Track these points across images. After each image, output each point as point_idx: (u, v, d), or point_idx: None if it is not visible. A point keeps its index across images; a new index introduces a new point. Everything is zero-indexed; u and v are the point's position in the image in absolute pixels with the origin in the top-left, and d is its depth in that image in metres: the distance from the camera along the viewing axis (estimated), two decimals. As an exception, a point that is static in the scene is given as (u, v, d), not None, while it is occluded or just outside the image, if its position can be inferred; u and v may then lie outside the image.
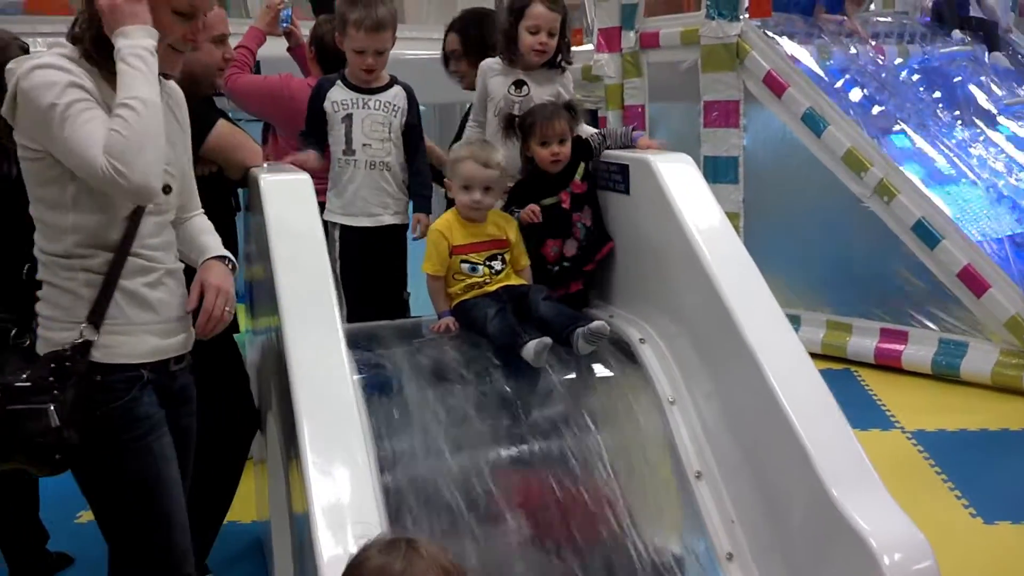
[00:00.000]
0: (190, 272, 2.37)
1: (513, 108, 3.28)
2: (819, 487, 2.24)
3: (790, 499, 2.38)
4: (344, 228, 3.23)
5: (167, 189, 2.23)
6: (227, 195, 3.17)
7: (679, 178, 2.94)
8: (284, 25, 4.17)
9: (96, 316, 2.14)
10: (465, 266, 3.00)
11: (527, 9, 3.22)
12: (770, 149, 6.00)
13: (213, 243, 2.43)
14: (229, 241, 3.17)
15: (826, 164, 5.65)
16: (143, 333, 2.20)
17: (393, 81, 3.30)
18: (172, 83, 2.35)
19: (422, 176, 3.32)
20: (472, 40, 3.70)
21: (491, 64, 3.37)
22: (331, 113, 3.21)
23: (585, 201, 3.17)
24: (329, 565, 1.96)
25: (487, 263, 3.01)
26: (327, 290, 2.52)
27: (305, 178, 2.84)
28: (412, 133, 3.30)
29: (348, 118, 3.19)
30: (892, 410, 4.74)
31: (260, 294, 2.99)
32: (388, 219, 3.26)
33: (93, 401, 2.13)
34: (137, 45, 2.08)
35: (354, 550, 1.98)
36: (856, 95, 6.20)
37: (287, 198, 2.76)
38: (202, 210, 2.49)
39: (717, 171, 6.10)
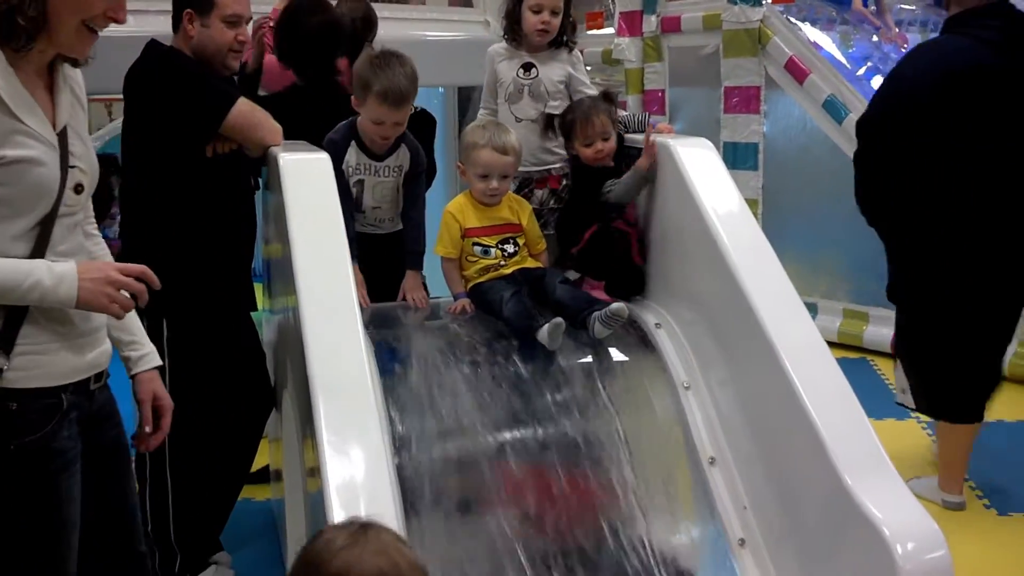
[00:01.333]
0: None
1: (523, 91, 3.28)
2: (833, 475, 2.24)
3: (803, 486, 2.38)
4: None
5: (79, 188, 1.95)
6: (247, 174, 3.17)
7: (699, 163, 2.93)
8: None
9: (6, 339, 1.85)
10: (477, 249, 3.00)
11: None
12: (790, 136, 5.96)
13: (144, 336, 2.17)
14: (248, 221, 3.19)
15: (847, 152, 5.59)
16: (60, 350, 1.91)
17: (400, 140, 3.14)
18: (71, 68, 2.01)
19: (416, 229, 3.17)
20: None
21: (497, 49, 3.36)
22: (345, 175, 3.09)
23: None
24: (343, 543, 1.97)
25: (499, 246, 3.01)
26: (345, 270, 2.52)
27: (324, 157, 2.84)
28: (410, 183, 3.18)
29: (360, 183, 3.12)
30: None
31: (277, 273, 3.00)
32: (397, 227, 3.25)
33: (3, 434, 1.86)
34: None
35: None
36: (878, 83, 6.14)
37: (306, 177, 2.76)
38: (96, 227, 2.16)
39: (736, 157, 6.07)
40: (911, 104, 3.49)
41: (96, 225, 2.16)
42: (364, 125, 3.09)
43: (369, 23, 3.78)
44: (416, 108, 3.57)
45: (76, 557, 2.00)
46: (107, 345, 2.05)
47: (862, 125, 3.67)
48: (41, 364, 1.90)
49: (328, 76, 3.45)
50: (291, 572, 1.53)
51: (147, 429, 2.15)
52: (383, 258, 3.12)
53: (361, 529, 1.51)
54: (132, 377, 2.16)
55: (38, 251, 1.88)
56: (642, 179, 3.04)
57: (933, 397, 3.69)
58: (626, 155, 3.16)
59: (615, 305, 2.82)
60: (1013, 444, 4.26)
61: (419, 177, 3.19)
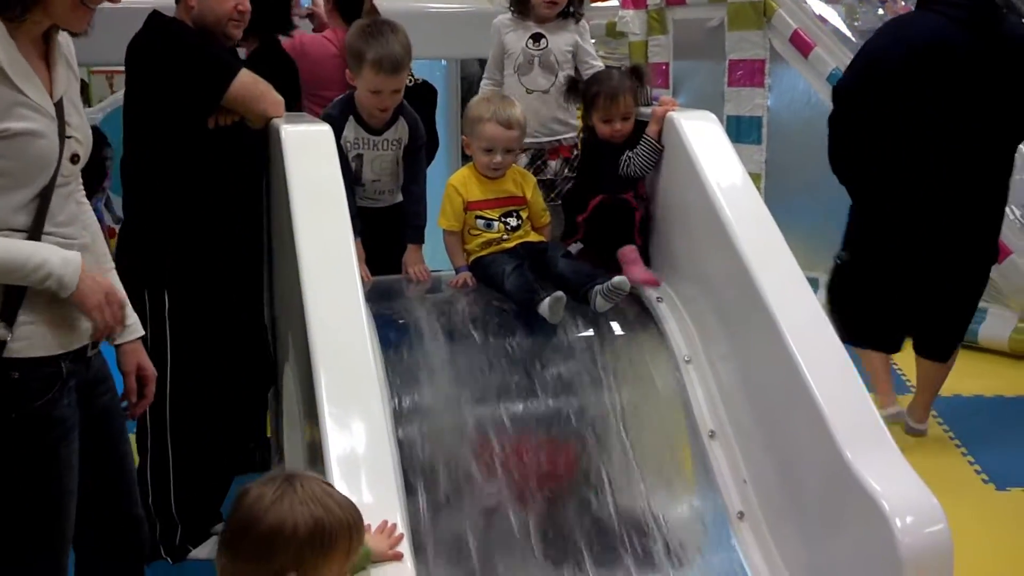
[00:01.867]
0: None
1: (533, 62, 3.26)
2: (833, 449, 2.25)
3: (803, 460, 2.39)
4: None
5: (75, 158, 1.97)
6: (248, 146, 3.16)
7: (703, 136, 2.92)
8: (305, 5, 4.15)
9: (9, 311, 1.87)
10: (480, 222, 2.99)
11: None
12: (795, 110, 5.93)
13: (129, 307, 2.15)
14: (251, 194, 3.18)
15: (851, 126, 5.58)
16: (59, 320, 1.93)
17: (399, 113, 3.13)
18: (64, 36, 2.01)
19: (417, 203, 3.17)
20: None
21: (503, 20, 3.34)
22: (344, 150, 3.05)
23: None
24: (344, 514, 1.98)
25: (502, 219, 3.00)
26: (346, 243, 2.51)
27: (326, 129, 2.83)
28: (410, 158, 3.17)
29: (359, 158, 3.11)
30: (908, 375, 4.72)
31: (279, 246, 3.00)
32: (398, 198, 3.23)
33: (6, 403, 1.89)
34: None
35: (370, 500, 2.03)
36: (883, 56, 6.10)
37: (308, 149, 2.76)
38: (85, 195, 2.16)
39: (740, 131, 6.04)
40: (879, 75, 3.72)
41: (85, 194, 2.16)
42: (361, 97, 3.07)
43: None
44: (417, 80, 3.56)
45: (73, 525, 2.02)
46: None
47: (837, 92, 3.94)
48: (41, 334, 1.91)
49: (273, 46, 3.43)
50: (224, 537, 1.54)
51: (132, 399, 2.18)
52: (383, 231, 3.12)
53: (287, 481, 1.53)
54: (116, 347, 2.17)
55: (38, 222, 1.89)
56: (656, 149, 3.00)
57: (860, 327, 3.98)
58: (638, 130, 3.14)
59: (617, 279, 2.82)
60: (1011, 419, 4.27)
61: (419, 151, 3.18)
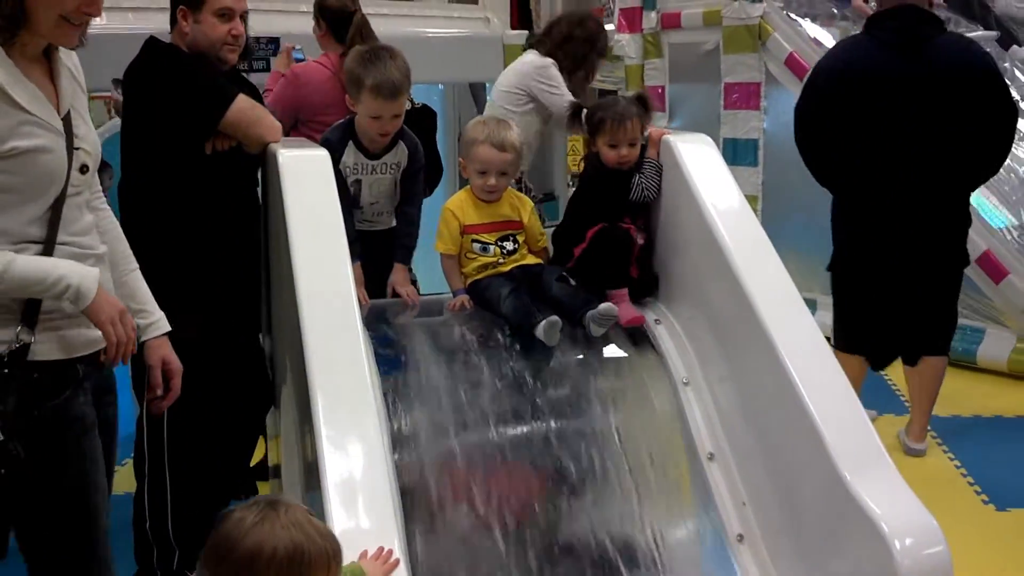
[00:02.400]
0: None
1: None
2: (832, 470, 2.24)
3: (802, 482, 2.38)
4: None
5: (84, 168, 2.04)
6: (246, 171, 3.17)
7: (699, 158, 2.93)
8: (297, 58, 4.18)
9: (30, 316, 1.95)
10: (476, 246, 3.00)
11: None
12: (791, 132, 5.91)
13: (153, 304, 2.29)
14: (248, 218, 3.19)
15: (846, 148, 5.60)
16: (77, 324, 2.02)
17: (398, 137, 3.14)
18: (68, 51, 2.09)
19: (410, 224, 3.18)
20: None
21: None
22: (342, 175, 3.07)
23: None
24: (341, 538, 1.96)
25: (499, 243, 3.01)
26: (344, 267, 2.52)
27: (323, 154, 2.84)
28: (408, 181, 3.19)
29: (357, 183, 3.12)
30: (907, 395, 4.72)
31: (276, 269, 3.00)
32: (394, 223, 3.24)
33: (28, 401, 1.96)
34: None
35: (367, 524, 2.02)
36: (878, 78, 6.13)
37: (305, 174, 2.76)
38: (104, 200, 2.25)
39: (737, 153, 6.06)
40: (817, 97, 3.94)
41: (104, 199, 2.24)
42: (362, 123, 3.08)
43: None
44: (417, 104, 3.57)
45: (107, 518, 2.11)
46: None
47: (795, 112, 4.08)
48: (61, 338, 2.00)
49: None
50: (203, 559, 1.54)
51: (158, 392, 2.27)
52: (381, 254, 3.13)
53: (270, 506, 1.54)
54: (142, 344, 2.26)
55: (52, 233, 1.97)
56: (659, 168, 2.99)
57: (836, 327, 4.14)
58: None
59: (603, 306, 2.82)
60: (1011, 439, 4.26)
61: (417, 174, 3.19)
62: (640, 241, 3.03)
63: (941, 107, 3.78)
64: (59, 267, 1.94)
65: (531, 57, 4.34)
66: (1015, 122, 3.90)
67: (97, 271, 2.00)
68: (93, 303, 1.97)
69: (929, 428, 4.32)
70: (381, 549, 1.92)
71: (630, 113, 3.00)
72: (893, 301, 3.99)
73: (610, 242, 2.99)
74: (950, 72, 3.77)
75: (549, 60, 4.25)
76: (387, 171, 3.14)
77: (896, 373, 4.97)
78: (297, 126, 3.77)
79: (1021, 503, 3.65)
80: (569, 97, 4.12)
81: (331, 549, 1.55)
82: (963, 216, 3.97)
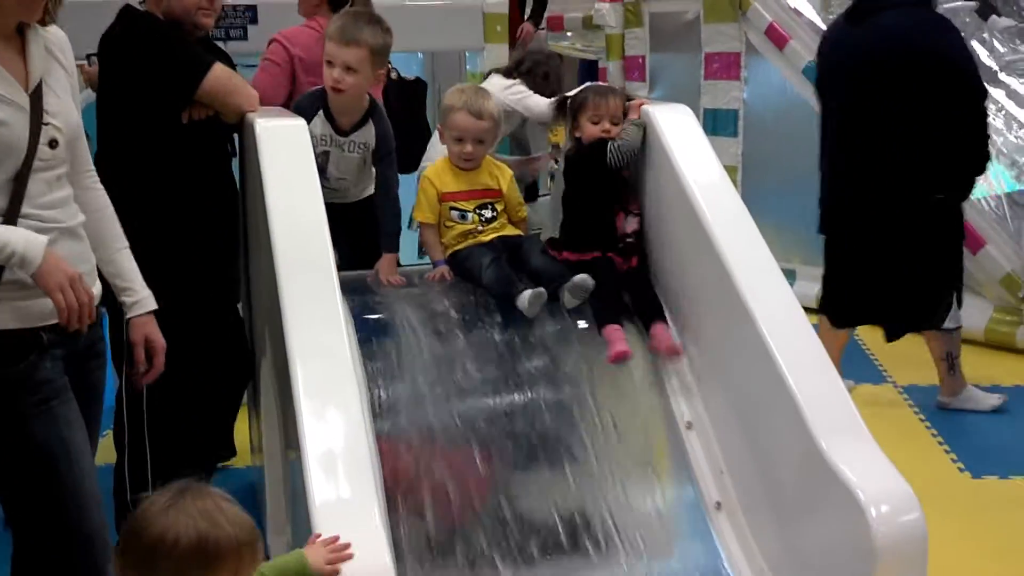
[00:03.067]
0: None
1: None
2: (809, 439, 2.26)
3: (780, 450, 2.40)
4: None
5: (54, 143, 2.06)
6: (223, 140, 3.15)
7: (677, 129, 2.93)
8: None
9: None
10: (454, 213, 2.99)
11: None
12: (770, 102, 5.95)
13: (140, 282, 2.32)
14: (226, 188, 3.17)
15: (826, 118, 5.62)
16: (38, 295, 2.01)
17: (368, 115, 3.10)
18: (54, 27, 2.15)
19: (390, 212, 3.11)
20: None
21: None
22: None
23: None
24: (321, 510, 1.98)
25: (477, 211, 3.00)
26: (322, 236, 2.51)
27: (300, 123, 2.82)
28: (380, 165, 3.13)
29: (325, 155, 3.06)
30: (885, 365, 4.76)
31: (254, 239, 2.99)
32: (366, 193, 3.20)
33: None
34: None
35: (348, 495, 2.02)
36: (858, 49, 6.13)
37: (282, 143, 2.75)
38: (97, 179, 2.30)
39: (717, 124, 6.06)
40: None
41: (96, 178, 2.28)
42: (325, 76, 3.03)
43: None
44: (407, 76, 3.55)
45: (94, 479, 2.13)
46: (95, 289, 2.15)
47: None
48: (19, 308, 2.01)
49: None
50: (117, 544, 1.54)
51: (140, 369, 2.31)
52: (350, 226, 3.09)
53: (179, 493, 1.52)
54: (127, 321, 2.30)
55: (14, 204, 1.99)
56: (641, 125, 2.96)
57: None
58: None
59: (578, 277, 2.82)
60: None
61: (388, 159, 3.12)
62: (632, 227, 3.00)
63: (873, 85, 3.82)
64: (5, 234, 1.94)
65: (495, 79, 4.35)
66: (970, 107, 3.81)
67: (45, 239, 1.99)
68: (40, 269, 1.97)
69: (906, 397, 4.37)
70: (336, 538, 1.88)
71: (614, 92, 3.03)
72: (888, 274, 4.01)
73: (601, 271, 2.89)
74: (883, 46, 3.80)
75: (512, 80, 4.26)
76: (355, 150, 3.10)
77: (872, 341, 5.03)
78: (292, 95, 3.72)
79: (996, 471, 3.70)
80: (540, 98, 4.10)
81: (243, 537, 1.52)
82: (914, 203, 3.89)
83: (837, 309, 4.16)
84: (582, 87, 3.12)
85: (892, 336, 4.15)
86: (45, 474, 2.05)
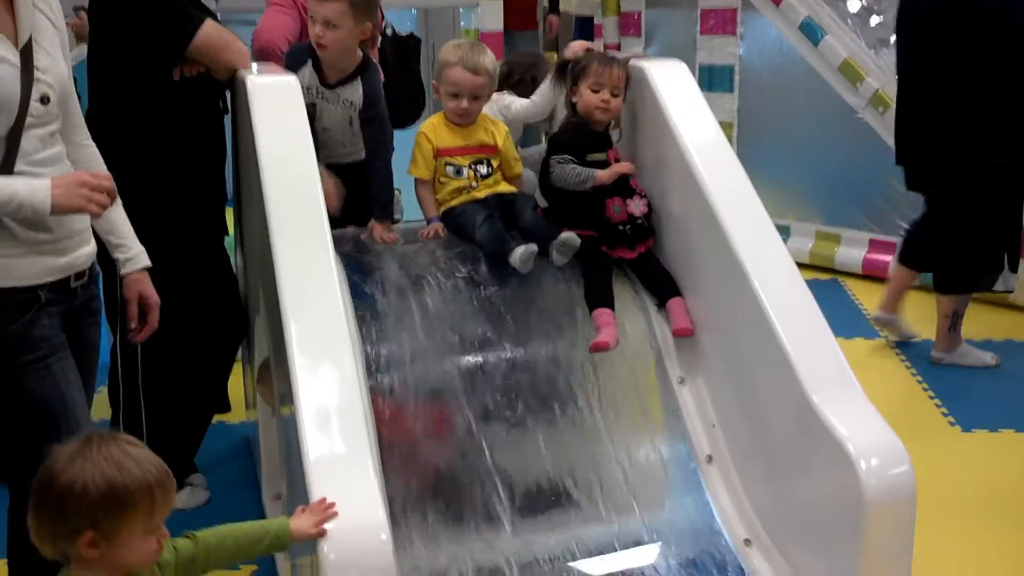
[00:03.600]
0: None
1: None
2: (800, 393, 2.28)
3: (771, 405, 2.42)
4: None
5: (45, 99, 2.06)
6: (215, 97, 3.13)
7: (673, 85, 2.92)
8: None
9: None
10: (450, 169, 2.98)
11: None
12: (766, 58, 5.92)
13: (133, 239, 2.34)
14: (217, 145, 3.16)
15: (822, 74, 5.59)
16: (37, 254, 2.05)
17: (358, 72, 3.02)
18: None
19: (379, 179, 3.02)
20: None
21: None
22: None
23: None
24: (316, 465, 1.99)
25: (472, 167, 2.99)
26: (315, 194, 2.50)
27: (293, 80, 2.80)
28: (369, 130, 3.04)
29: (312, 106, 2.99)
30: (869, 309, 4.79)
31: (247, 196, 2.98)
32: (361, 155, 3.17)
33: None
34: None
35: (342, 450, 2.04)
36: (854, 5, 6.08)
37: (274, 100, 2.73)
38: (88, 136, 2.30)
39: (712, 80, 6.03)
40: None
41: (88, 135, 2.29)
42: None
43: None
44: (401, 32, 3.51)
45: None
46: (88, 248, 2.19)
47: None
48: (14, 267, 2.03)
49: None
50: (31, 498, 1.55)
51: (132, 325, 2.33)
52: (346, 188, 3.07)
53: (87, 442, 1.54)
54: (121, 278, 2.32)
55: (8, 160, 1.99)
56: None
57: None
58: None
59: (564, 235, 2.81)
60: (979, 363, 4.33)
61: (377, 122, 3.05)
62: (641, 209, 2.89)
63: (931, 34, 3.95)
64: (8, 187, 1.95)
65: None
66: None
67: (46, 180, 2.00)
68: (56, 204, 1.99)
69: (898, 352, 4.40)
70: (323, 500, 1.88)
71: (616, 59, 2.95)
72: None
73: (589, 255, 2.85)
74: None
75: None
76: (339, 105, 3.04)
77: (866, 296, 5.05)
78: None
79: (986, 424, 3.72)
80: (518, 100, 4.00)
81: (152, 479, 1.52)
82: (946, 157, 4.03)
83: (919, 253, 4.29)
84: (586, 55, 3.03)
85: (942, 289, 4.22)
86: (42, 429, 2.05)
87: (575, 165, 2.89)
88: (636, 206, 2.90)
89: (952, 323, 4.24)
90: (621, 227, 2.87)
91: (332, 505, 1.88)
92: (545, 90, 3.26)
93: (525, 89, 3.62)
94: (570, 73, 2.98)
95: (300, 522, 1.85)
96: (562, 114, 3.13)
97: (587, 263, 2.84)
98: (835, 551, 2.21)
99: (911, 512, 2.17)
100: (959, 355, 4.25)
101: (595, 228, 2.87)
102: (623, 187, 2.90)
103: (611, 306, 2.77)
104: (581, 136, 2.95)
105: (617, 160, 2.95)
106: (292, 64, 2.99)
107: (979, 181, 3.99)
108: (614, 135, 3.03)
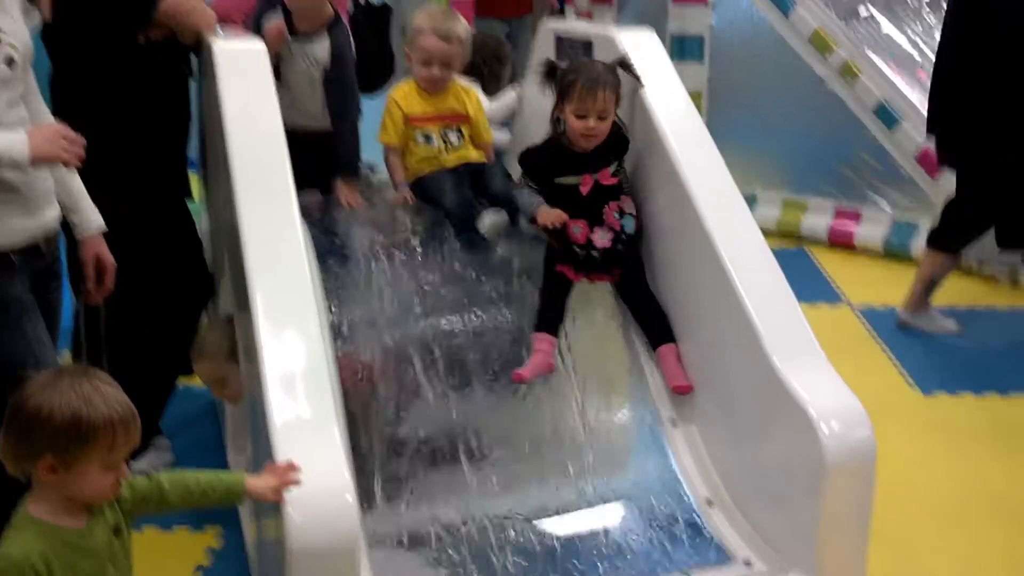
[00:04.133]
0: None
1: None
2: (763, 357, 2.31)
3: (735, 369, 2.45)
4: None
5: (11, 62, 2.08)
6: (179, 61, 3.10)
7: (642, 54, 2.91)
8: None
9: None
10: (420, 136, 2.98)
11: None
12: (737, 28, 5.92)
13: (88, 203, 2.36)
14: (181, 108, 3.13)
15: (792, 45, 5.61)
16: (9, 216, 2.09)
17: (329, 26, 2.99)
18: None
19: (344, 140, 3.01)
20: None
21: None
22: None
23: (618, 191, 2.77)
24: (281, 430, 2.00)
25: (443, 135, 2.99)
26: (281, 160, 2.49)
27: (260, 48, 2.78)
28: (332, 88, 3.00)
29: (278, 56, 2.96)
30: (842, 286, 4.83)
31: (213, 162, 2.97)
32: (316, 125, 3.14)
33: None
34: None
35: (308, 415, 2.05)
36: (827, -27, 6.11)
37: (241, 67, 2.71)
38: (44, 104, 2.32)
39: (683, 49, 6.02)
40: None
41: (41, 98, 2.30)
42: None
43: None
44: (375, 1, 3.48)
45: None
46: (54, 211, 2.23)
47: None
48: None
49: None
50: (2, 419, 1.61)
51: (90, 287, 2.36)
52: (315, 156, 3.03)
53: (62, 373, 1.61)
54: (78, 241, 2.36)
55: None
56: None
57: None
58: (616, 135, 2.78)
59: (489, 219, 2.83)
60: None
61: (342, 82, 3.02)
62: (603, 244, 2.71)
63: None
64: None
65: None
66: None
67: (21, 132, 2.04)
68: (36, 151, 2.02)
69: (862, 319, 4.46)
70: (289, 464, 1.87)
71: (605, 81, 2.68)
72: None
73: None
74: None
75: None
76: (304, 59, 3.01)
77: (831, 264, 5.10)
78: None
79: (945, 387, 3.78)
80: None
81: (117, 416, 1.58)
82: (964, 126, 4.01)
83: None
84: (572, 66, 2.77)
85: (933, 244, 4.24)
86: (14, 391, 2.06)
87: (530, 190, 2.75)
88: (601, 237, 2.71)
89: (927, 287, 4.25)
90: (578, 250, 2.70)
91: (296, 470, 1.86)
92: (507, 103, 3.29)
93: (493, 74, 3.59)
94: (556, 85, 2.75)
95: (258, 483, 1.85)
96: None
97: (543, 280, 2.71)
98: (796, 512, 2.25)
99: (871, 475, 2.21)
100: (924, 319, 4.27)
101: (558, 241, 2.73)
102: (589, 213, 2.71)
103: (553, 331, 2.63)
104: (555, 157, 2.76)
105: (598, 185, 2.73)
106: (264, 6, 2.98)
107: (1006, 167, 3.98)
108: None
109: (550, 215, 2.67)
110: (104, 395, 1.58)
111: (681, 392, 2.61)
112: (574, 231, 2.70)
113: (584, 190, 2.72)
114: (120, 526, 1.68)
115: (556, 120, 2.77)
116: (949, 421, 3.57)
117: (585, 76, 2.68)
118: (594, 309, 2.77)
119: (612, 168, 2.76)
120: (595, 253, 2.71)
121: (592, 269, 2.73)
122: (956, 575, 2.72)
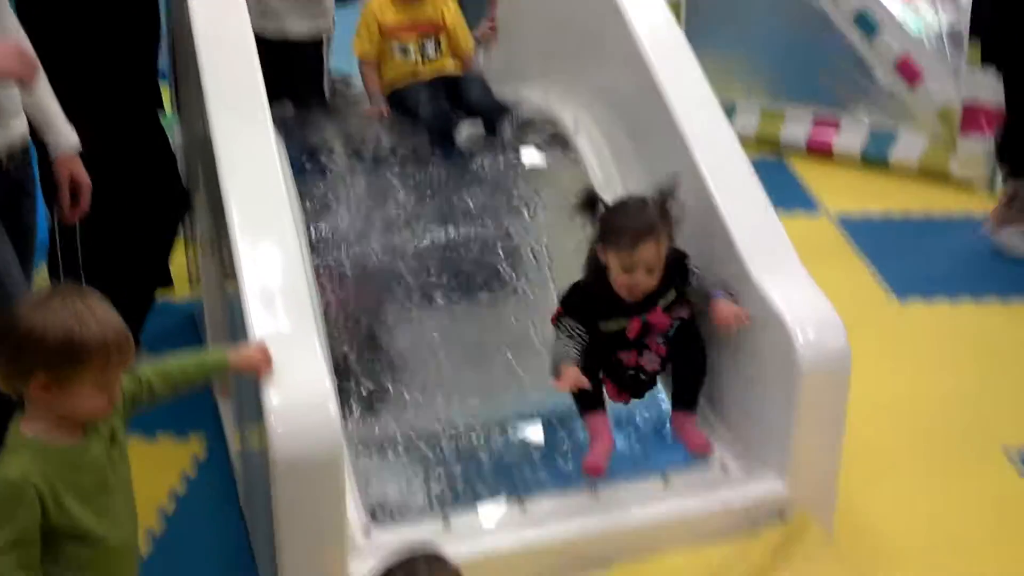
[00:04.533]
0: None
1: None
2: (739, 265, 2.32)
3: (712, 276, 2.46)
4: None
5: None
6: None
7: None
8: None
9: None
10: (396, 48, 2.93)
11: None
12: (717, -63, 5.82)
13: (62, 121, 2.31)
14: (151, 19, 3.06)
15: (770, -50, 5.53)
16: None
17: None
18: None
19: None
20: None
21: None
22: None
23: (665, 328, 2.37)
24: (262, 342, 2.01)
25: (420, 46, 2.94)
26: (253, 71, 2.45)
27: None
28: None
29: None
30: (820, 195, 4.83)
31: (183, 72, 2.91)
32: (305, 29, 3.06)
33: None
34: None
35: (288, 328, 2.05)
36: None
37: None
38: (16, 19, 2.28)
39: (662, -44, 5.91)
40: None
41: (16, 19, 2.25)
42: None
43: None
44: None
45: None
46: (19, 129, 2.17)
47: None
48: None
49: None
50: None
51: (65, 205, 2.32)
52: (290, 68, 2.98)
53: (53, 294, 1.60)
54: (52, 160, 2.31)
55: None
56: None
57: None
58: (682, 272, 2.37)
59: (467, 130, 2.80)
60: (918, 235, 4.42)
61: None
62: (653, 367, 2.38)
63: None
64: None
65: None
66: None
67: None
68: None
69: (839, 228, 4.48)
70: (263, 349, 1.94)
71: (651, 230, 2.23)
72: None
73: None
74: None
75: None
76: None
77: (809, 173, 5.10)
78: None
79: (921, 293, 3.83)
80: None
81: (110, 339, 1.56)
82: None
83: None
84: (617, 206, 2.34)
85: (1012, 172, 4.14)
86: None
87: (564, 338, 2.28)
88: (650, 361, 2.37)
89: (1009, 200, 4.14)
90: (628, 370, 2.37)
91: (265, 353, 1.93)
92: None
93: None
94: (596, 222, 2.32)
95: (241, 357, 1.92)
96: None
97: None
98: (771, 418, 2.28)
99: (845, 382, 2.24)
100: (1004, 237, 4.14)
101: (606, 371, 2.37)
102: (637, 344, 2.35)
103: (601, 406, 2.32)
104: (598, 302, 2.31)
105: (647, 324, 2.31)
106: None
107: None
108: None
109: (568, 379, 2.20)
110: (98, 316, 1.56)
111: (702, 453, 2.36)
112: (624, 359, 2.37)
113: (631, 335, 2.32)
114: (115, 433, 1.68)
115: (594, 259, 2.32)
116: (924, 329, 3.61)
117: (632, 225, 2.23)
118: (567, 212, 2.76)
119: (664, 303, 2.33)
120: (644, 376, 2.40)
121: (639, 389, 2.42)
122: (927, 480, 2.77)
